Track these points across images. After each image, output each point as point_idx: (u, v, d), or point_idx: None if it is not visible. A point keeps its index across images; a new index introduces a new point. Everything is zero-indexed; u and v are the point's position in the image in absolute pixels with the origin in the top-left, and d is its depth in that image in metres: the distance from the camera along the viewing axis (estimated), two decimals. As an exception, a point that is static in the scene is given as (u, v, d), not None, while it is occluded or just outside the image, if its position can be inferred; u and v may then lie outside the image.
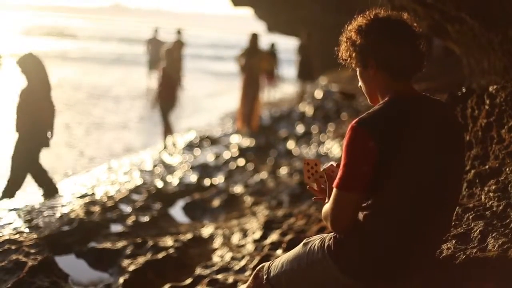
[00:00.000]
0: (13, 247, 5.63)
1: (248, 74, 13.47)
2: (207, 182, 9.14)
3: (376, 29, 2.62)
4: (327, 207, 2.70)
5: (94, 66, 29.27)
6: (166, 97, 11.85)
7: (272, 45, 20.22)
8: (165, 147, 11.68)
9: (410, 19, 2.67)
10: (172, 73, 12.16)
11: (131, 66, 30.49)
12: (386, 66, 2.63)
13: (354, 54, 2.70)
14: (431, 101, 2.70)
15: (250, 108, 13.35)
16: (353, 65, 2.76)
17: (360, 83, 2.80)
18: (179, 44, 17.95)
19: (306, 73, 17.68)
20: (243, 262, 5.52)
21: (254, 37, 13.45)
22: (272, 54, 19.47)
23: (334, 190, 2.61)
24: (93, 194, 7.89)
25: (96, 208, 7.19)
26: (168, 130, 11.88)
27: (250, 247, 5.99)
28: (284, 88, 23.27)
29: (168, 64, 12.15)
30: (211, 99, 20.31)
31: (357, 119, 2.56)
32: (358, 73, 2.77)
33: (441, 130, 2.63)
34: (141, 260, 5.74)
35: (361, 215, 2.63)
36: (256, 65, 13.46)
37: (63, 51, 35.37)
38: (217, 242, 6.43)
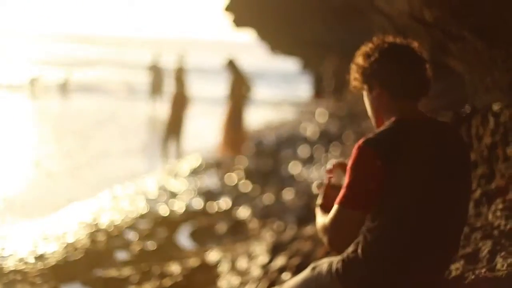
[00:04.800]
0: (18, 277, 5.62)
1: (229, 100, 13.28)
2: (212, 207, 9.11)
3: (380, 52, 2.68)
4: (324, 221, 2.71)
5: (97, 94, 29.37)
6: (176, 122, 11.95)
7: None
8: (174, 171, 11.73)
9: (416, 45, 2.72)
10: (180, 98, 12.24)
11: (133, 93, 30.60)
12: (389, 88, 2.67)
13: (359, 77, 2.76)
14: (437, 123, 2.72)
15: (234, 134, 13.17)
16: (359, 88, 2.80)
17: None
18: (181, 70, 18.03)
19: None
20: (250, 287, 5.49)
21: (230, 64, 13.18)
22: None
23: (336, 206, 2.61)
24: (98, 222, 7.88)
25: (102, 236, 7.18)
26: (176, 154, 11.95)
27: (257, 271, 5.96)
28: (289, 110, 23.36)
29: (178, 90, 12.26)
30: (215, 123, 20.34)
31: (363, 139, 2.59)
32: (364, 96, 2.80)
33: (446, 152, 2.64)
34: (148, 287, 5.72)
35: (368, 237, 2.62)
36: (235, 91, 13.20)
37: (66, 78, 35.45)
38: (224, 267, 6.40)
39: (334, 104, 17.89)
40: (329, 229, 2.65)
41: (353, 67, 2.79)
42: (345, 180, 2.60)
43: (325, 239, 2.71)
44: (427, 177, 2.56)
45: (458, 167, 2.67)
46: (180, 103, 12.22)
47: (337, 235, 2.64)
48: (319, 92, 22.17)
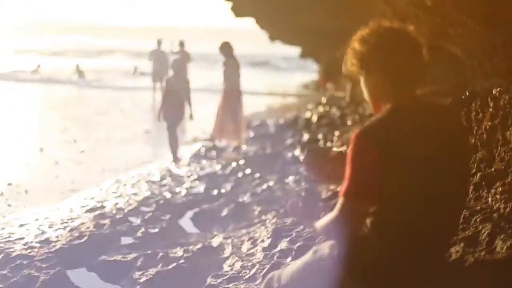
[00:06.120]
0: (24, 262, 5.68)
1: (225, 85, 13.05)
2: (215, 191, 9.14)
3: (376, 37, 2.68)
4: (328, 219, 2.75)
5: (100, 82, 29.36)
6: (173, 108, 11.88)
7: None
8: (173, 159, 11.70)
9: (413, 30, 2.72)
10: (178, 84, 12.13)
11: (136, 78, 30.61)
12: (386, 73, 2.67)
13: (356, 62, 2.75)
14: (435, 107, 2.73)
15: (232, 122, 12.92)
16: (356, 73, 2.80)
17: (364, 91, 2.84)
18: (183, 56, 17.95)
19: None
20: (253, 271, 5.53)
21: (226, 46, 12.82)
22: None
23: (341, 198, 2.64)
24: (102, 207, 7.93)
25: (106, 221, 7.23)
26: (175, 141, 11.89)
27: (259, 255, 6.00)
28: (291, 96, 23.35)
29: (174, 75, 12.19)
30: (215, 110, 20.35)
31: (360, 128, 2.60)
32: (361, 81, 2.82)
33: (444, 137, 2.65)
34: (152, 271, 5.77)
35: (368, 222, 2.66)
36: (231, 75, 12.89)
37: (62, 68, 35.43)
38: (227, 251, 6.44)
39: (341, 90, 17.92)
40: (334, 221, 2.68)
41: (350, 52, 2.78)
42: (347, 171, 2.61)
43: (330, 233, 2.77)
44: (425, 162, 2.57)
45: (457, 151, 2.69)
46: (179, 88, 12.11)
47: (342, 226, 2.66)
48: (326, 78, 22.27)
